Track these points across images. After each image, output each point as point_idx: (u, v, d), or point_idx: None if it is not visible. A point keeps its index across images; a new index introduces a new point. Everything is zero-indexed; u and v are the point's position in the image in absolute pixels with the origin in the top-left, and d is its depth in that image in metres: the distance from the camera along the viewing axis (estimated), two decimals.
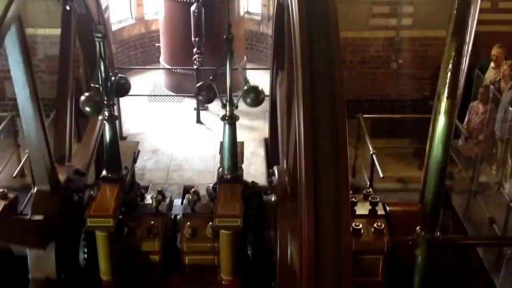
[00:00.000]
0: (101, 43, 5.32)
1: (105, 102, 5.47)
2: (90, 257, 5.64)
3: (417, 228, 5.30)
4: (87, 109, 5.36)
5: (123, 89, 5.71)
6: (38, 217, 5.67)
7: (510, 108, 8.99)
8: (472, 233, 8.47)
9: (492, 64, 10.57)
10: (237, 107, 5.53)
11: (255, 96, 5.43)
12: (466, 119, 10.23)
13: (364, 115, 10.36)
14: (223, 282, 5.61)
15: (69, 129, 6.41)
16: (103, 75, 5.42)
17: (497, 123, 9.67)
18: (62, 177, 5.99)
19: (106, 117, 5.62)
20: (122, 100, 10.30)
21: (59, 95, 6.70)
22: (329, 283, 3.81)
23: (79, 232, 5.69)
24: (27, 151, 8.89)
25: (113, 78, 5.54)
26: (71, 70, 6.65)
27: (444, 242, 5.41)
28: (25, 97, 5.51)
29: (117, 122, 5.81)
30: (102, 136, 6.04)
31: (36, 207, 5.75)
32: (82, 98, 5.36)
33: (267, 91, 8.90)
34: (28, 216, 5.79)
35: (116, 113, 5.79)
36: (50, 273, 5.71)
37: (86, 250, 5.65)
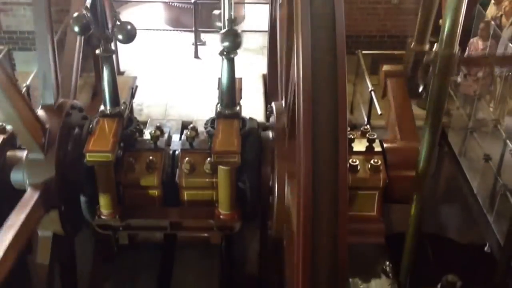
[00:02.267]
0: None
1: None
2: (91, 192, 5.71)
3: (435, 45, 4.98)
4: (76, 29, 5.34)
5: (129, 35, 5.50)
6: (35, 194, 5.52)
7: (510, 45, 8.91)
8: (468, 169, 8.54)
9: (493, 0, 10.40)
10: None
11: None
12: (465, 55, 10.15)
13: (363, 52, 10.26)
14: (221, 216, 5.70)
15: (53, 65, 6.17)
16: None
17: None
18: (54, 130, 5.75)
19: (103, 51, 5.56)
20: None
21: (38, 31, 6.12)
22: (325, 218, 3.87)
23: (80, 173, 5.72)
24: None
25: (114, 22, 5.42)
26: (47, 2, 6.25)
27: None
28: None
29: (114, 56, 5.76)
30: (100, 70, 5.98)
31: (31, 178, 5.63)
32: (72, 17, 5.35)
33: (266, 26, 8.81)
34: (25, 154, 5.75)
35: (113, 48, 5.73)
36: (56, 230, 5.84)
37: (86, 186, 5.72)
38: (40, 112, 5.80)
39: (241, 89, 6.06)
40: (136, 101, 9.20)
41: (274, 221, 5.68)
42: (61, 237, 5.93)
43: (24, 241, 5.19)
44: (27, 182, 5.65)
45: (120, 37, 5.42)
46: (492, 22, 9.65)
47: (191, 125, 6.11)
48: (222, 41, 5.34)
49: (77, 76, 6.74)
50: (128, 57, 11.18)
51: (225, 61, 5.55)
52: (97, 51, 5.62)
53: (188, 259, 6.17)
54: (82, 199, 5.79)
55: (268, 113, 6.40)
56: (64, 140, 5.81)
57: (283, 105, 5.96)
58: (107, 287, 6.10)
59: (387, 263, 6.16)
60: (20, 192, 5.78)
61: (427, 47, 6.75)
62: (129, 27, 5.48)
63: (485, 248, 7.53)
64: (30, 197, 5.47)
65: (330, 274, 3.90)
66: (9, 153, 6.00)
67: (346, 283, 4.09)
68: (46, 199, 5.57)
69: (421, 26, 8.85)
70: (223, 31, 5.35)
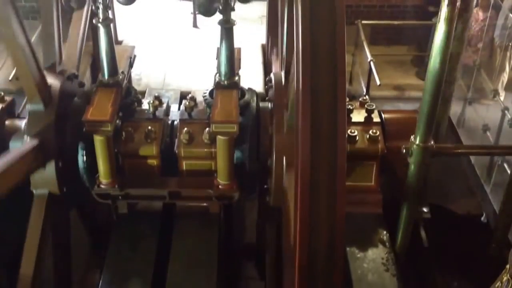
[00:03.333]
0: None
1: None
2: (89, 162, 5.73)
3: (411, 136, 5.38)
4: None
5: None
6: (33, 143, 5.54)
7: (511, 15, 8.86)
8: (466, 139, 8.58)
9: None
10: (233, 9, 5.42)
11: None
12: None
13: (363, 22, 10.21)
14: (220, 186, 5.73)
15: (57, 31, 6.18)
16: None
17: (497, 30, 9.56)
18: (55, 88, 5.80)
19: (100, 20, 5.53)
20: (116, 2, 10.08)
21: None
22: (323, 188, 3.89)
23: (78, 144, 5.73)
24: None
25: None
26: None
27: (437, 150, 5.52)
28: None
29: (112, 25, 5.73)
30: (97, 40, 5.95)
31: (31, 129, 5.64)
32: None
33: None
34: (24, 123, 5.78)
35: (110, 16, 5.69)
36: (52, 188, 5.79)
37: (85, 155, 5.74)
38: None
39: (240, 59, 6.04)
40: (134, 71, 9.18)
41: (272, 189, 5.72)
42: (57, 201, 5.93)
43: (16, 180, 5.27)
44: (26, 132, 5.67)
45: None
46: None
47: (190, 95, 6.11)
48: None
49: (82, 49, 6.77)
50: (126, 26, 11.13)
51: (223, 30, 5.52)
52: (95, 20, 5.58)
53: (187, 228, 6.21)
54: (81, 167, 5.81)
55: (266, 83, 6.39)
56: (65, 98, 5.84)
57: (282, 75, 5.95)
58: (106, 256, 6.14)
59: (384, 232, 6.21)
60: None
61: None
62: None
63: (482, 218, 7.60)
64: (28, 145, 5.52)
65: (327, 243, 3.94)
66: (8, 122, 6.01)
67: (343, 252, 4.14)
68: (44, 149, 5.59)
69: None
70: None
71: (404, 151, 5.53)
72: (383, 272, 5.83)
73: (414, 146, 5.43)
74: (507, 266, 3.14)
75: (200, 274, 5.84)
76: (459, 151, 5.92)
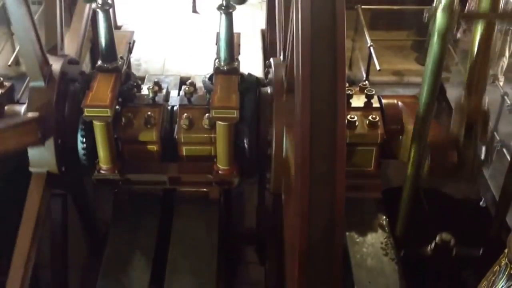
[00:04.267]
0: None
1: None
2: (89, 147, 5.73)
3: (434, 1, 5.00)
4: None
5: None
6: (33, 114, 5.60)
7: (511, 0, 8.82)
8: None
9: None
10: None
11: None
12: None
13: (363, 6, 10.15)
14: (219, 171, 5.74)
15: (59, 16, 6.18)
16: None
17: None
18: (56, 69, 5.86)
19: (99, 5, 5.51)
20: None
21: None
22: (323, 174, 3.91)
23: (77, 124, 5.74)
24: None
25: None
26: None
27: (463, 14, 5.14)
28: None
29: (111, 10, 5.70)
30: (96, 25, 5.93)
31: (31, 104, 5.69)
32: None
33: None
34: (24, 108, 5.78)
35: (110, 1, 5.67)
36: (51, 166, 5.80)
37: (84, 140, 5.74)
38: None
39: (239, 45, 6.03)
40: (133, 56, 9.16)
41: (272, 174, 5.73)
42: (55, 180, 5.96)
43: (11, 145, 5.40)
44: (27, 108, 5.71)
45: None
46: None
47: (189, 81, 6.10)
48: None
49: (84, 37, 6.77)
50: (125, 11, 11.07)
51: (223, 15, 5.50)
52: (94, 5, 5.56)
53: (187, 213, 6.23)
54: (81, 153, 5.82)
55: (266, 68, 6.38)
56: (65, 79, 5.87)
57: (282, 60, 5.94)
58: (108, 240, 6.18)
59: (384, 217, 6.24)
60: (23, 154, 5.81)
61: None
62: None
63: (481, 203, 7.61)
64: (27, 116, 5.59)
65: (327, 228, 3.96)
66: (7, 107, 6.00)
67: (342, 236, 4.17)
68: (43, 125, 5.62)
69: None
70: None
71: (426, 18, 5.06)
72: (382, 256, 5.86)
73: (439, 8, 4.84)
74: (506, 251, 3.15)
75: (200, 258, 5.87)
76: (486, 15, 5.37)
